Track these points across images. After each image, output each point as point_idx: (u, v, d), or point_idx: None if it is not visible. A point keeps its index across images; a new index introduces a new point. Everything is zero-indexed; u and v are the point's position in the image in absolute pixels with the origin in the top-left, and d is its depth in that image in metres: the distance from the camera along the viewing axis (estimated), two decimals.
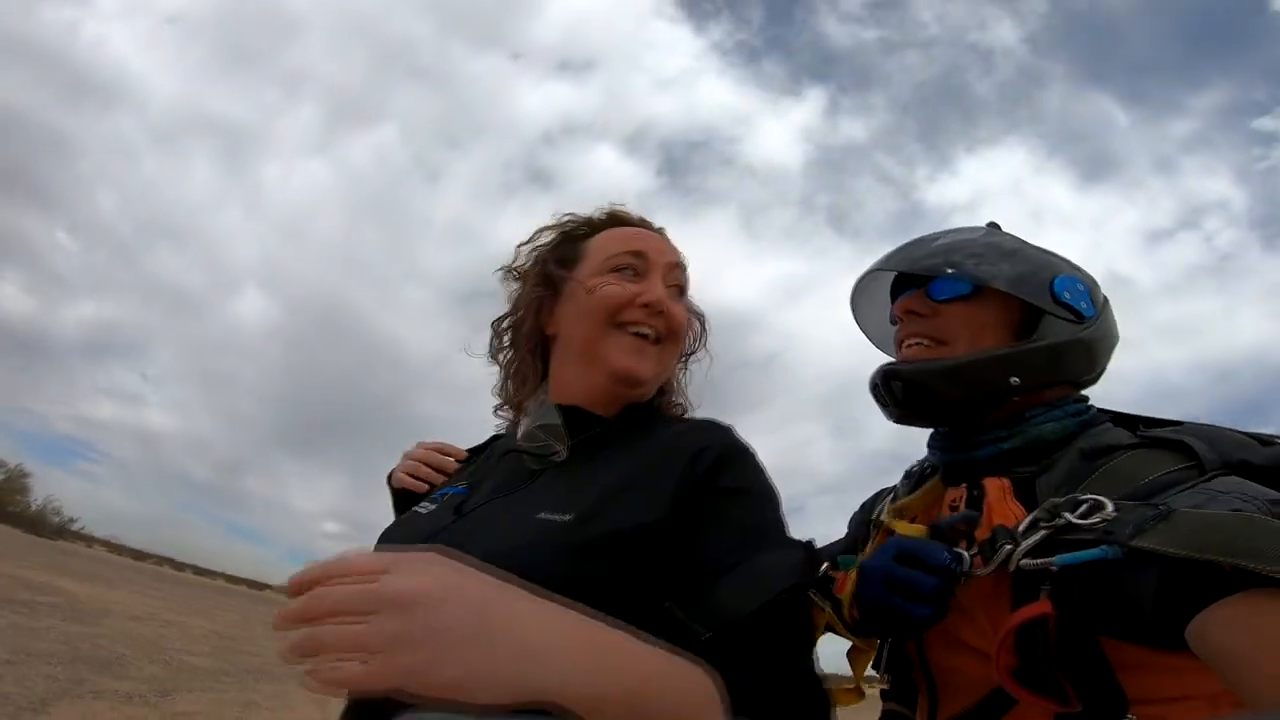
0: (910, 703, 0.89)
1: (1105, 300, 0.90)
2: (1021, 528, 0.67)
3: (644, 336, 0.85)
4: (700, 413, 0.95)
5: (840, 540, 1.08)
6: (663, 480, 0.72)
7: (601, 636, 0.50)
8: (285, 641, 0.44)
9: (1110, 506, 0.62)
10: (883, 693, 0.91)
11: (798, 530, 0.73)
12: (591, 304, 0.85)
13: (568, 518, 0.71)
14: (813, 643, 0.68)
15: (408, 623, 0.41)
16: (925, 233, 0.97)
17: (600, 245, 0.91)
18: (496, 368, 0.99)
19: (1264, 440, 0.66)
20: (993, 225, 0.96)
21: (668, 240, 0.95)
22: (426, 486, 0.97)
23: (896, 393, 0.89)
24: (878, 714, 0.93)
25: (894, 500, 0.98)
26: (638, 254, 0.88)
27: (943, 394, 0.86)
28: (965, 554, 0.73)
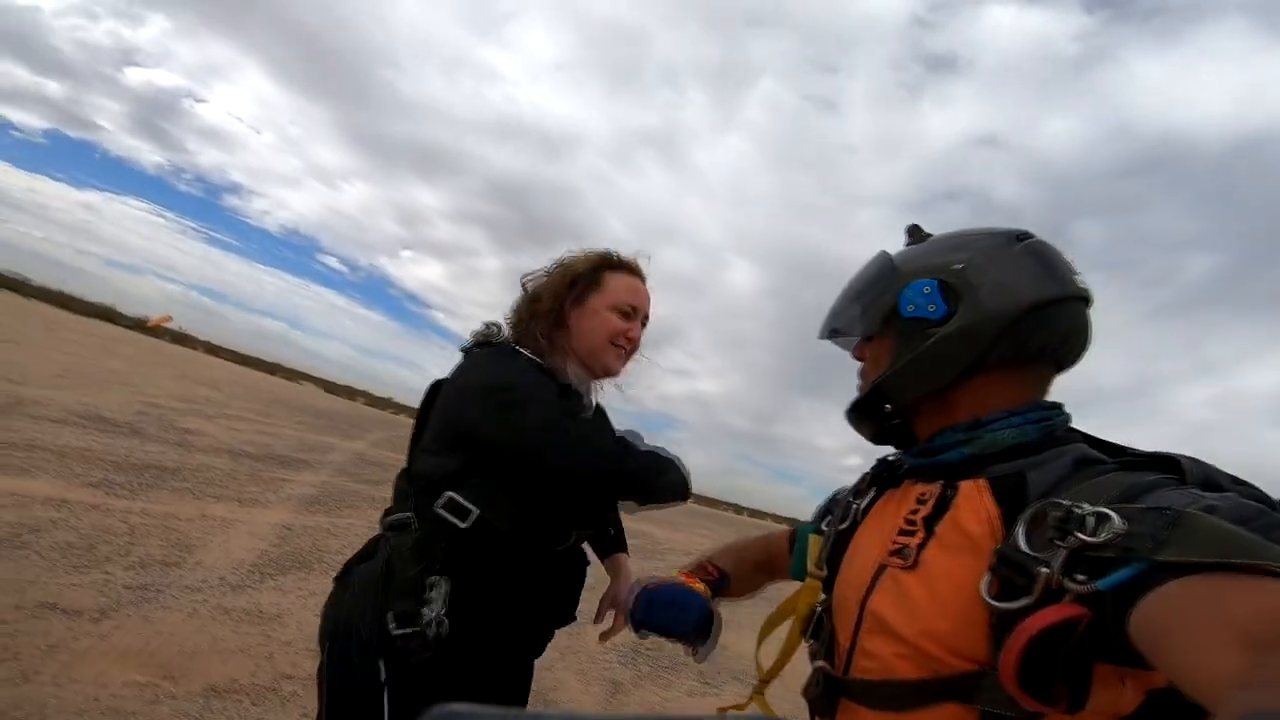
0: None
1: (985, 274, 0.84)
2: (1023, 542, 0.66)
3: (622, 350, 1.44)
4: None
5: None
6: None
7: None
8: None
9: (1117, 519, 0.60)
10: (812, 653, 0.95)
11: None
12: (603, 326, 1.40)
13: None
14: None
15: None
16: None
17: (615, 285, 1.43)
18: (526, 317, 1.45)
19: (1235, 480, 0.66)
20: (912, 229, 0.99)
21: (649, 296, 1.49)
22: None
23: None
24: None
25: (860, 488, 1.02)
26: (633, 307, 1.44)
27: (861, 432, 0.98)
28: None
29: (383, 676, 1.16)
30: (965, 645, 0.69)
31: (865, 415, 0.96)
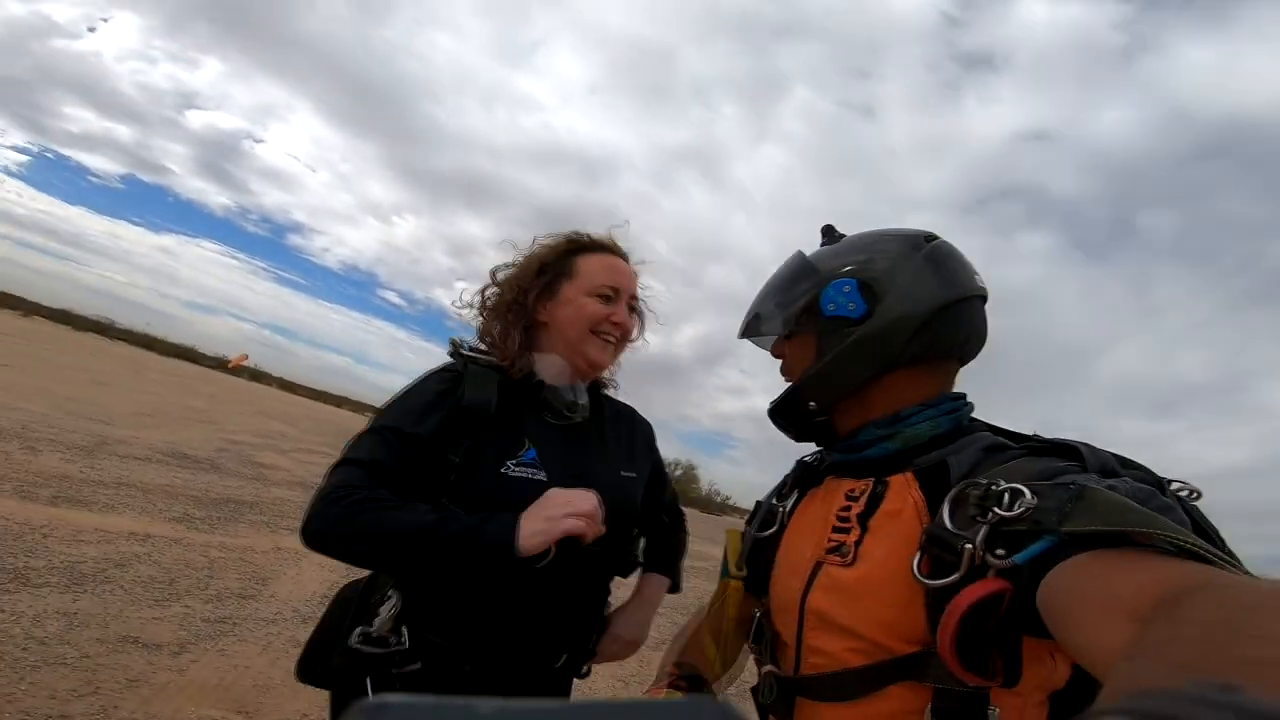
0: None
1: (898, 274, 0.88)
2: (948, 520, 0.69)
3: (609, 340, 1.27)
4: None
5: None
6: (646, 456, 1.39)
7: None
8: None
9: (1029, 493, 0.64)
10: (757, 658, 0.95)
11: None
12: (580, 314, 1.25)
13: (634, 474, 1.31)
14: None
15: None
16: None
17: (589, 269, 1.28)
18: (489, 314, 1.32)
19: (1126, 463, 0.70)
20: (826, 229, 1.01)
21: (632, 274, 1.33)
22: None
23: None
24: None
25: (782, 491, 1.03)
26: (614, 288, 1.28)
27: (784, 432, 0.99)
28: None
29: (369, 691, 1.09)
30: (910, 629, 0.71)
31: (788, 414, 0.96)
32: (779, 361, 1.00)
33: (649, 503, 1.38)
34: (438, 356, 1.26)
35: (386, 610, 1.11)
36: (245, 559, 4.66)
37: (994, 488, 0.66)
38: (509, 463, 1.13)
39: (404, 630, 1.09)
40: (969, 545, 0.65)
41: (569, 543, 1.04)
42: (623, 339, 1.31)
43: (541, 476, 1.13)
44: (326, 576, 4.76)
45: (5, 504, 4.24)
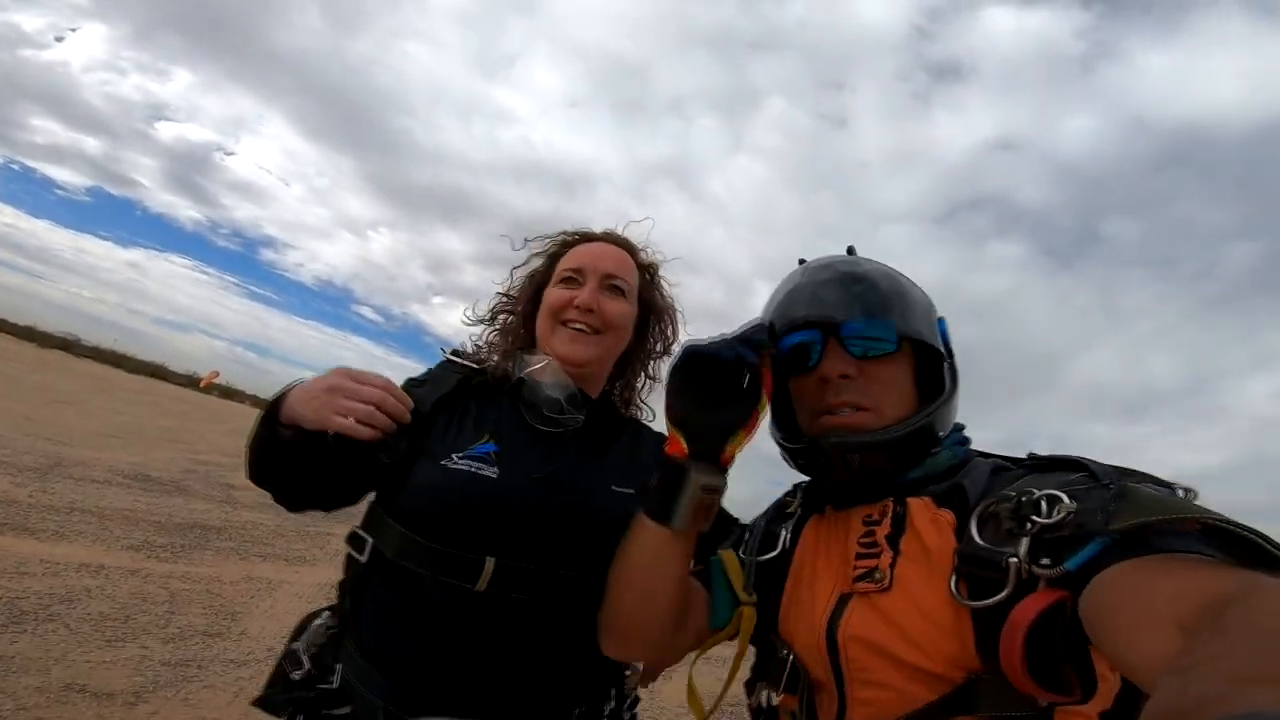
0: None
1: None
2: (979, 537, 0.68)
3: (579, 329, 1.13)
4: None
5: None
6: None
7: None
8: None
9: (1067, 498, 0.63)
10: (793, 713, 0.86)
11: None
12: (544, 307, 1.17)
13: (630, 491, 1.07)
14: None
15: None
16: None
17: (561, 262, 1.20)
18: (485, 326, 1.26)
19: (1126, 471, 0.68)
20: (851, 250, 0.97)
21: (611, 252, 1.19)
22: (376, 435, 0.94)
23: (850, 464, 0.86)
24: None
25: (779, 513, 0.98)
26: (577, 270, 1.16)
27: (886, 464, 0.85)
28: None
29: None
30: (958, 654, 0.68)
31: (893, 455, 0.85)
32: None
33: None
34: (416, 373, 1.19)
35: (317, 625, 1.07)
36: (212, 591, 4.24)
37: (1026, 498, 0.66)
38: (454, 454, 1.02)
39: (337, 669, 1.01)
40: (1013, 559, 0.63)
41: (513, 557, 0.97)
42: (605, 327, 1.15)
43: (489, 473, 1.01)
44: (304, 608, 4.35)
45: None
